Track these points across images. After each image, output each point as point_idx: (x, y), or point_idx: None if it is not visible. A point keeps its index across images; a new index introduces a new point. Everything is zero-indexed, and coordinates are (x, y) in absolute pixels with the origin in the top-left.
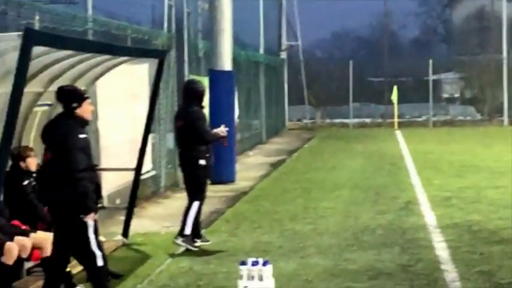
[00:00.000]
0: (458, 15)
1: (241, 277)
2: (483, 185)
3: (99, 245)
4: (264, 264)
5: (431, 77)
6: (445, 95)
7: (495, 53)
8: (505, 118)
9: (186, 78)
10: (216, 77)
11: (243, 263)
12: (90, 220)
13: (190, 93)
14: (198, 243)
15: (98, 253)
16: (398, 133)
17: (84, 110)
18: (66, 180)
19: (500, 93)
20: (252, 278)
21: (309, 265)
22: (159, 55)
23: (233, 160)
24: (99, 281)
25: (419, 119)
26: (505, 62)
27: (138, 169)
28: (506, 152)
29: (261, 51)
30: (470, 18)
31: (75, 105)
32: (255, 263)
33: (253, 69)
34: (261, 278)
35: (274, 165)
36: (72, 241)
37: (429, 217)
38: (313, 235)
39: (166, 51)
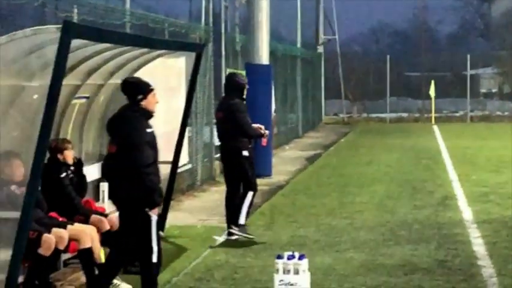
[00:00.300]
0: (497, 9)
1: (277, 271)
2: None
3: (158, 240)
4: (300, 258)
5: (469, 72)
6: (483, 90)
7: None
8: None
9: (223, 72)
10: (253, 70)
11: (279, 257)
12: (154, 214)
13: (232, 86)
14: (235, 230)
15: (155, 249)
16: (436, 128)
17: (149, 102)
18: (132, 174)
19: None
20: (288, 271)
21: (344, 260)
22: (197, 49)
23: (270, 154)
24: (149, 276)
25: (457, 114)
26: None
27: (174, 162)
28: None
29: (298, 45)
30: (508, 13)
31: (140, 97)
32: (290, 257)
33: (290, 63)
34: (296, 272)
35: (310, 160)
36: (135, 234)
37: (466, 212)
38: (349, 229)
39: (204, 45)
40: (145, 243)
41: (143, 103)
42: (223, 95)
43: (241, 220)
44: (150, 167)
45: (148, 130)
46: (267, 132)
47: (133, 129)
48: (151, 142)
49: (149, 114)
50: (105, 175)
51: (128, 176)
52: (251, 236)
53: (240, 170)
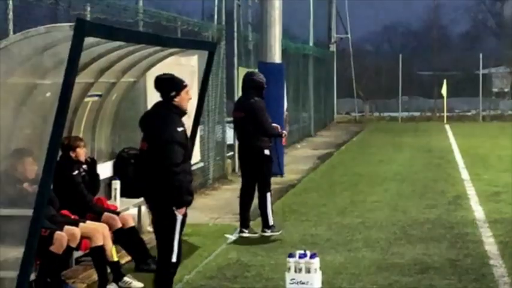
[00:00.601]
0: (509, 8)
1: (288, 269)
2: None
3: (180, 241)
4: (312, 256)
5: (481, 71)
6: (495, 90)
7: None
8: None
9: (235, 71)
10: (266, 69)
11: (291, 255)
12: (179, 214)
13: (250, 85)
14: (246, 234)
15: (175, 249)
16: (448, 127)
17: (183, 99)
18: (161, 172)
19: None
20: (300, 270)
21: (356, 258)
22: (210, 47)
23: (282, 153)
24: (165, 275)
25: (469, 114)
26: None
27: None
28: None
29: (311, 43)
30: None
31: (173, 93)
32: (302, 256)
33: (303, 61)
34: (308, 271)
35: (322, 158)
36: (159, 232)
37: (478, 212)
38: (361, 228)
39: (217, 43)
40: (167, 241)
41: (176, 100)
42: (242, 94)
43: (271, 221)
44: (180, 166)
45: (180, 129)
46: (285, 132)
47: (165, 127)
48: (182, 141)
49: (182, 112)
50: (136, 171)
51: (157, 174)
52: (278, 233)
53: (260, 169)
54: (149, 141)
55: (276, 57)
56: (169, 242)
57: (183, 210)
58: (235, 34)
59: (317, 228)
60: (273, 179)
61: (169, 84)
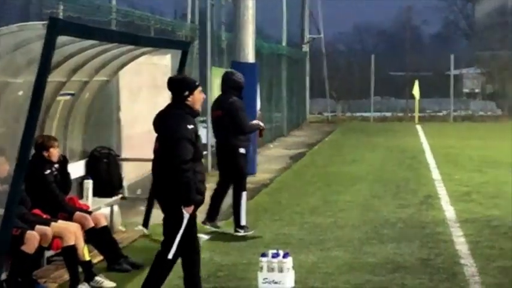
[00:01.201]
0: (481, 10)
1: (261, 269)
2: (503, 180)
3: (192, 240)
4: (285, 256)
5: (453, 72)
6: (466, 90)
7: None
8: None
9: (209, 70)
10: (239, 69)
11: (264, 255)
12: (187, 213)
13: (230, 84)
14: (208, 225)
15: (174, 248)
16: (419, 127)
17: (196, 99)
18: (171, 171)
19: None
20: (272, 269)
21: (329, 258)
22: (183, 46)
23: (254, 152)
24: (159, 271)
25: (440, 114)
26: None
27: None
28: None
29: (284, 43)
30: (492, 14)
31: (186, 93)
32: (275, 255)
33: (276, 61)
34: (281, 270)
35: (295, 158)
36: (165, 228)
37: (449, 212)
38: (333, 228)
39: (190, 43)
40: (169, 238)
41: (189, 99)
42: (221, 93)
43: (243, 221)
44: (189, 164)
45: (190, 126)
46: (262, 124)
47: (175, 126)
48: (191, 138)
49: (194, 113)
50: (152, 171)
51: (167, 172)
52: (251, 233)
53: (235, 167)
54: (161, 141)
55: (249, 57)
56: (171, 239)
57: (190, 209)
58: (209, 33)
59: (290, 227)
60: (247, 179)
61: (182, 84)
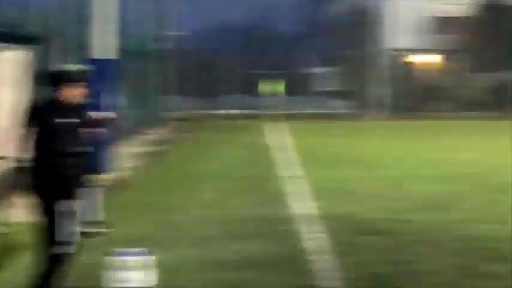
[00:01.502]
0: (336, 9)
1: (114, 268)
2: (360, 177)
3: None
4: (139, 254)
5: (307, 71)
6: (320, 89)
7: (372, 48)
8: (380, 113)
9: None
10: (97, 66)
11: (116, 254)
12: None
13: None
14: None
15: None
16: (273, 125)
17: (68, 93)
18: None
19: (376, 88)
20: (125, 268)
21: (181, 255)
22: (33, 42)
23: (108, 150)
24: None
25: (294, 112)
26: (379, 57)
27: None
28: (383, 145)
29: (142, 40)
30: (347, 13)
31: (56, 88)
32: (128, 254)
33: (134, 58)
34: (134, 269)
35: (150, 156)
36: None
37: (305, 208)
38: (187, 226)
39: (41, 38)
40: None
41: (60, 93)
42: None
43: (97, 218)
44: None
45: (61, 120)
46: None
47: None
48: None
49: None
50: None
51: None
52: (106, 230)
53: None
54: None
55: (109, 53)
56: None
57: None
58: (62, 29)
59: (144, 225)
60: (102, 176)
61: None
